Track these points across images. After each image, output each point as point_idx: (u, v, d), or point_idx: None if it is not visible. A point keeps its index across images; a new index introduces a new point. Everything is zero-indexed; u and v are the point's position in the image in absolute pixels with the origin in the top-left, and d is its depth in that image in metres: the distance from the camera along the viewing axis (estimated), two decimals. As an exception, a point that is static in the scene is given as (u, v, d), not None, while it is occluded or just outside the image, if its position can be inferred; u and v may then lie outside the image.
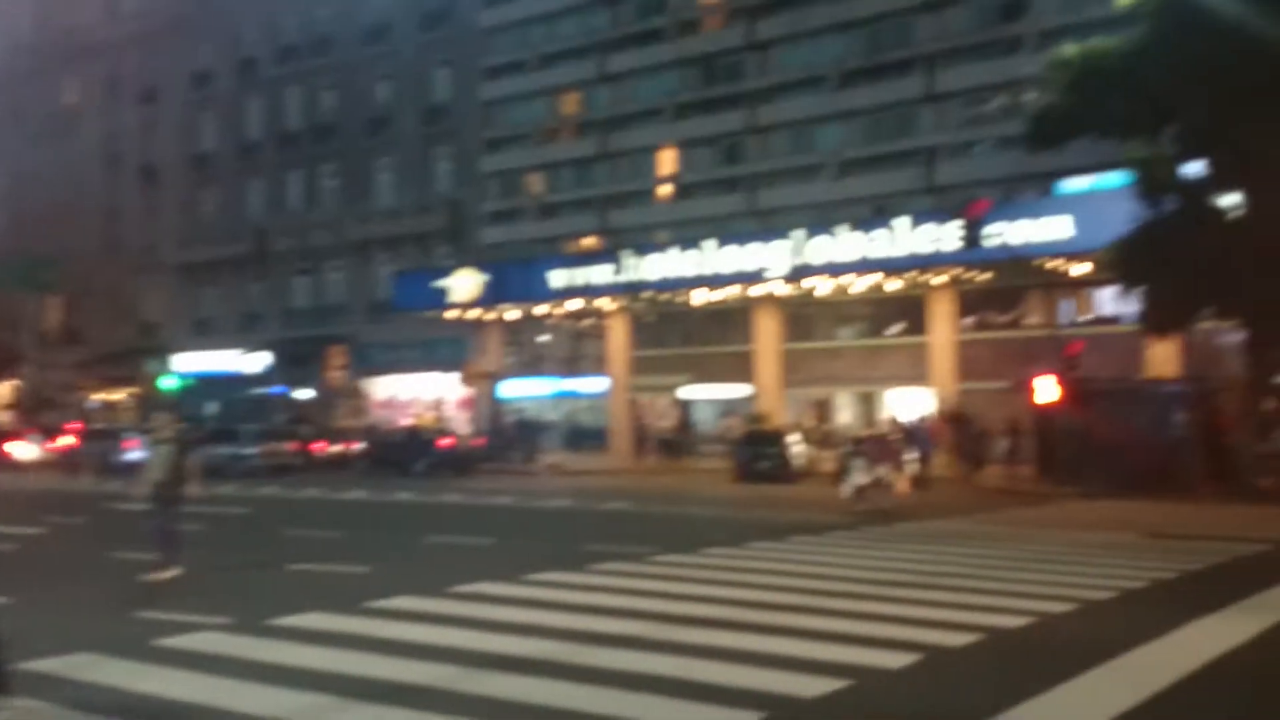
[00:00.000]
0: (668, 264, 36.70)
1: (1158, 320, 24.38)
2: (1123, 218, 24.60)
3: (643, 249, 37.70)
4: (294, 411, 47.29)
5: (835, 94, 38.70)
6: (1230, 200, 23.70)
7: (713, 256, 35.67)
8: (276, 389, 49.89)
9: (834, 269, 33.73)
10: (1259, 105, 21.25)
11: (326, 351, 50.20)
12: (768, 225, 38.02)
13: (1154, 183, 24.45)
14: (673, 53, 42.36)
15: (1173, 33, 22.96)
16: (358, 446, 39.74)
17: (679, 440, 39.45)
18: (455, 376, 45.29)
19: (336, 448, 40.00)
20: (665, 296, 38.22)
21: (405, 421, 44.84)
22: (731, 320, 39.84)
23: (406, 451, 36.38)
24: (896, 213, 33.97)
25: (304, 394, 49.65)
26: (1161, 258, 23.15)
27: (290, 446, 37.84)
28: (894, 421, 30.95)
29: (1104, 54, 25.18)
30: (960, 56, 36.67)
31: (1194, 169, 24.28)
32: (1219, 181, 23.55)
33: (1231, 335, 26.49)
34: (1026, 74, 32.67)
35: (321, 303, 51.59)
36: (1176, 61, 22.74)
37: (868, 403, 37.62)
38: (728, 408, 40.09)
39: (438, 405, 47.10)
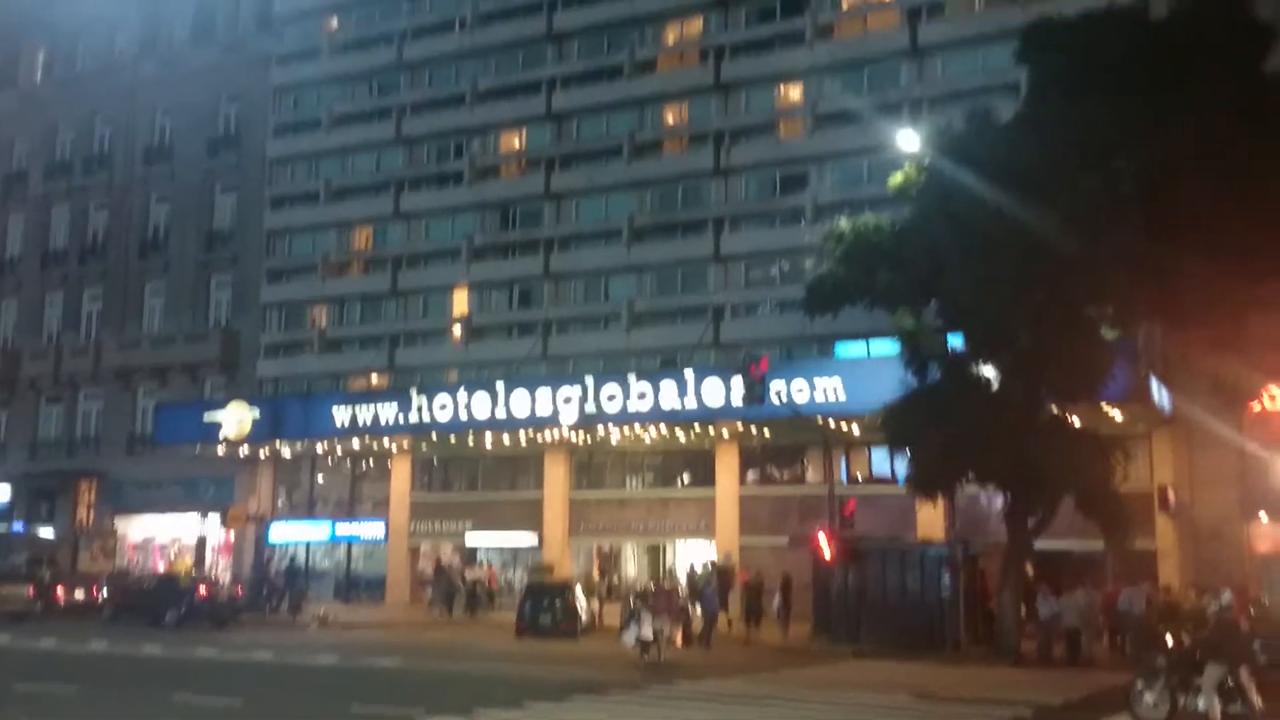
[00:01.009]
0: (457, 405, 36.00)
1: (923, 482, 25.39)
2: (893, 382, 25.78)
3: (431, 389, 36.93)
4: (34, 552, 43.20)
5: (628, 247, 39.56)
6: (988, 371, 25.20)
7: (503, 400, 35.25)
8: (15, 527, 45.70)
9: (623, 418, 33.86)
10: (1007, 286, 22.82)
11: (76, 487, 46.50)
12: (559, 371, 38.07)
13: (919, 352, 25.84)
14: (469, 196, 42.52)
15: (934, 213, 24.64)
16: (105, 592, 36.52)
17: (461, 591, 37.98)
18: (219, 518, 42.53)
19: (81, 593, 36.62)
20: (452, 439, 37.36)
21: (159, 566, 41.64)
22: (520, 466, 39.30)
23: (158, 599, 33.58)
24: (684, 365, 34.71)
25: (47, 533, 45.61)
26: (926, 422, 24.25)
27: (28, 591, 34.56)
28: (679, 574, 30.87)
29: (874, 229, 26.80)
30: (746, 221, 38.29)
31: (957, 340, 25.78)
32: (975, 353, 25.05)
33: (996, 499, 27.85)
34: (807, 243, 34.43)
35: (74, 434, 47.98)
36: (937, 240, 24.37)
37: (656, 554, 37.52)
38: (513, 556, 39.18)
39: (198, 548, 44.05)
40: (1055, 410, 24.70)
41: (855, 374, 30.85)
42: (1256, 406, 27.26)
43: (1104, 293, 23.49)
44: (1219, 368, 24.74)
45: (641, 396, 33.32)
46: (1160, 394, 29.22)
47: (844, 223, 27.75)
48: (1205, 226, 21.52)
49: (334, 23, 46.18)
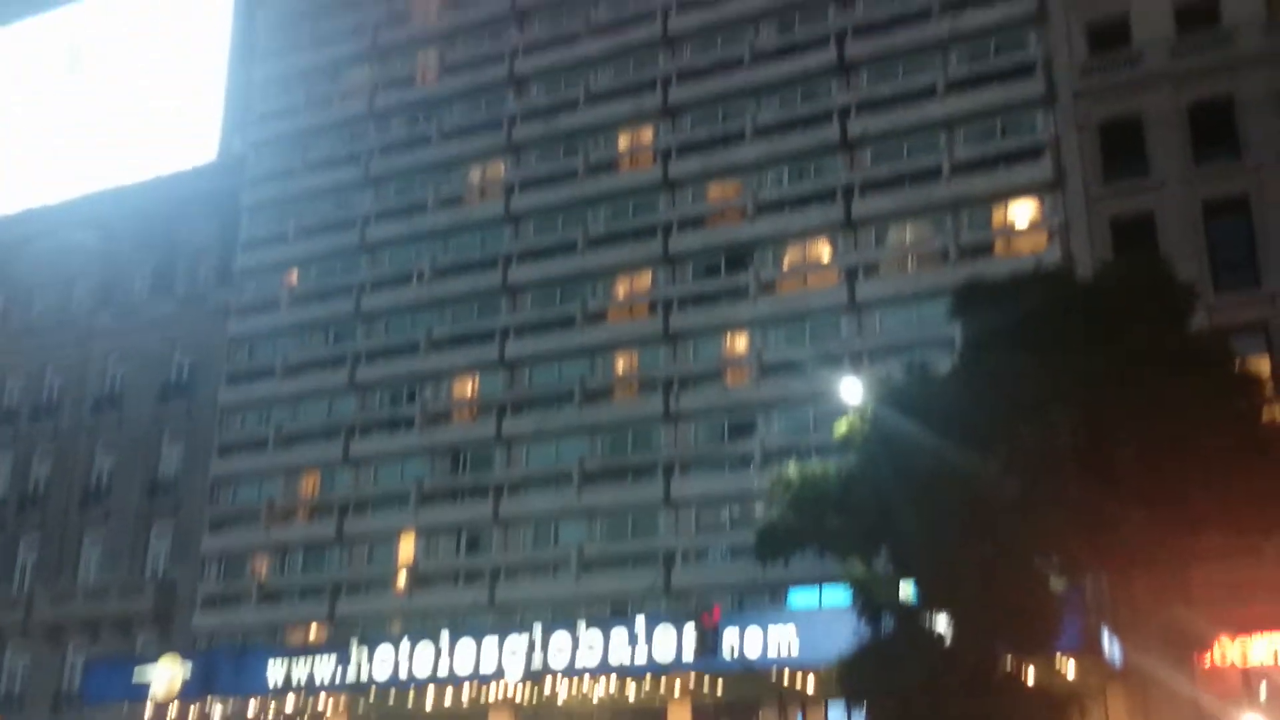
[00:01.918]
0: (398, 659, 34.68)
1: (881, 743, 24.51)
2: (847, 633, 25.31)
3: (372, 641, 35.67)
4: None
5: (578, 492, 39.44)
6: (940, 621, 24.85)
7: (447, 652, 34.05)
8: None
9: (572, 671, 32.75)
10: (953, 534, 22.87)
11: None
12: (506, 620, 37.07)
13: (871, 601, 25.50)
14: (420, 441, 42.55)
15: (879, 461, 24.90)
16: None
17: None
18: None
19: None
20: (392, 698, 35.78)
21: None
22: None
23: None
24: (635, 613, 33.95)
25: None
26: (880, 678, 23.69)
27: None
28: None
29: (822, 476, 26.96)
30: (696, 466, 38.49)
31: (909, 589, 25.53)
32: (927, 603, 24.78)
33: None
34: (757, 488, 34.53)
35: (-2, 692, 45.61)
36: (883, 487, 24.51)
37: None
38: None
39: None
40: (1009, 665, 24.27)
41: (809, 624, 30.28)
42: (1208, 660, 26.92)
43: (1049, 542, 23.57)
44: (1167, 619, 24.63)
45: (591, 647, 32.36)
46: (1111, 646, 28.88)
47: (792, 469, 27.95)
48: (1142, 477, 21.94)
49: (294, 276, 47.32)
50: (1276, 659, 28.55)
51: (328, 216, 46.84)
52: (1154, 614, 26.23)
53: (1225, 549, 23.96)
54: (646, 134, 42.65)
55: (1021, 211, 36.17)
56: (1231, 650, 27.97)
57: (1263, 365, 29.05)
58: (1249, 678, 28.90)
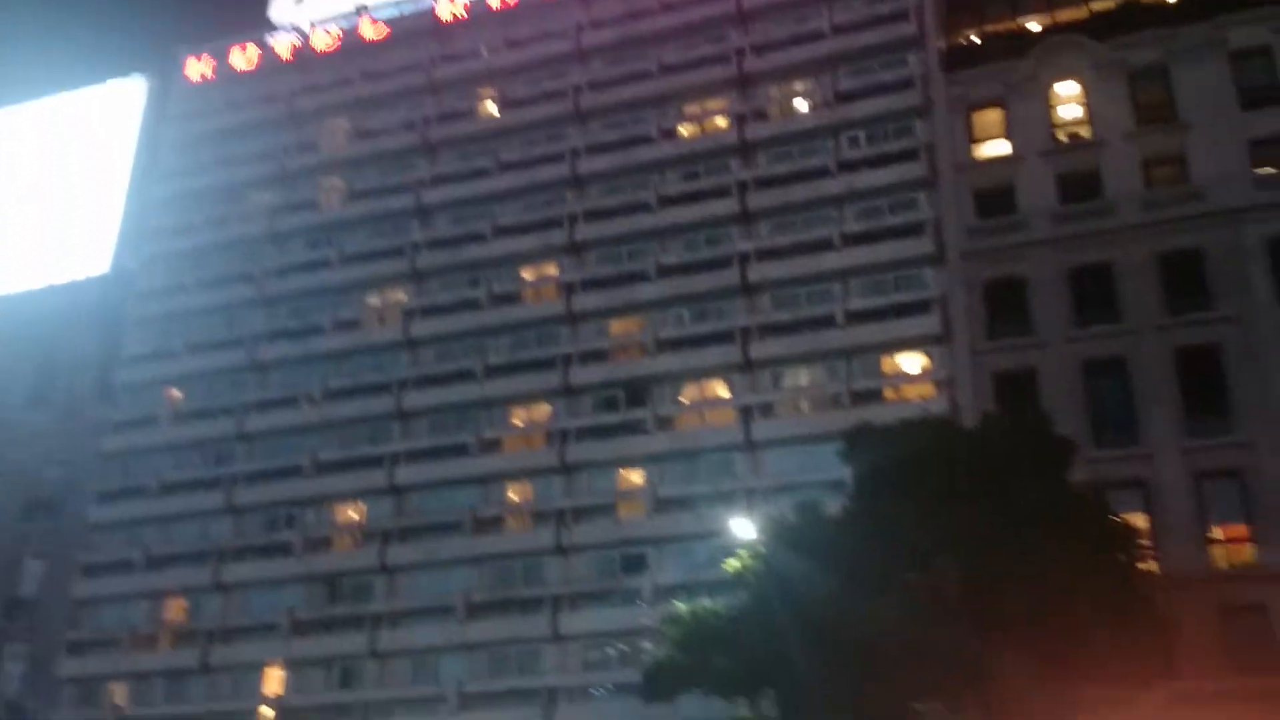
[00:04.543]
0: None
1: None
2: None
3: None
4: None
5: (462, 624, 38.32)
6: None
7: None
8: None
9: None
10: (841, 677, 22.80)
11: None
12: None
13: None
14: (297, 568, 41.06)
15: (769, 601, 24.88)
16: None
17: None
18: None
19: None
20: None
21: None
22: None
23: None
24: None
25: None
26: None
27: None
28: None
29: (712, 614, 26.81)
30: (585, 601, 37.80)
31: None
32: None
33: None
34: (646, 625, 34.04)
35: None
36: (773, 628, 24.43)
37: None
38: None
39: None
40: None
41: (695, 767, 29.55)
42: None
43: (934, 688, 23.62)
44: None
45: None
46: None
47: (682, 606, 27.71)
48: (1025, 627, 22.31)
49: (176, 394, 46.02)
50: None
51: (216, 334, 45.95)
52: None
53: (1103, 700, 24.20)
54: (551, 268, 43.16)
55: (910, 362, 37.29)
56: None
57: (1140, 521, 29.94)
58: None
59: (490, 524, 39.90)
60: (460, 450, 40.84)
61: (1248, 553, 30.75)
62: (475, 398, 41.54)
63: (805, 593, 23.95)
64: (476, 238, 44.06)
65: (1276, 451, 30.91)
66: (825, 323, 37.81)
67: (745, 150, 41.70)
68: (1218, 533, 31.14)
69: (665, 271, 40.90)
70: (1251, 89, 35.68)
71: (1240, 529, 31.00)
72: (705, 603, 27.81)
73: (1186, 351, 32.78)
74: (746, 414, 37.99)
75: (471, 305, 43.05)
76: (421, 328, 43.34)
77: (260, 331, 45.37)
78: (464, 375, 41.90)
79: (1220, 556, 31.01)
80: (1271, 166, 34.54)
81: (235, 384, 45.09)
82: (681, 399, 39.73)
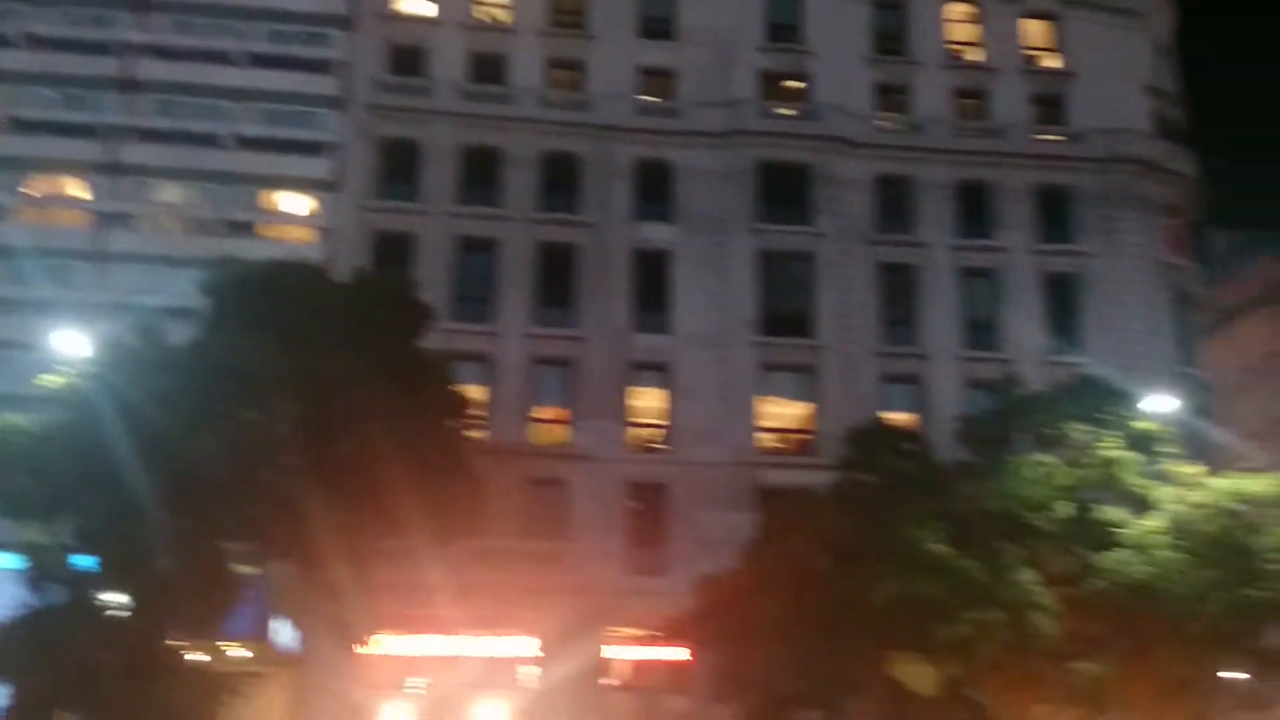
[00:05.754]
0: None
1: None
2: (11, 602, 22.80)
3: None
4: None
5: None
6: (121, 598, 23.44)
7: None
8: None
9: None
10: (148, 509, 21.90)
11: None
12: None
13: (44, 570, 23.31)
14: None
15: (83, 426, 23.03)
16: None
17: None
18: None
19: None
20: None
21: None
22: None
23: None
24: None
25: None
26: (35, 651, 21.71)
27: None
28: None
29: (15, 430, 24.18)
30: None
31: (90, 562, 23.73)
32: (108, 579, 23.30)
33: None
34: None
35: None
36: (81, 454, 22.69)
37: None
38: None
39: None
40: (173, 644, 23.60)
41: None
42: (366, 651, 28.44)
43: (248, 528, 23.45)
44: (337, 612, 25.62)
45: None
46: (280, 634, 29.64)
47: (-13, 419, 24.59)
48: (348, 476, 22.90)
49: None
50: (429, 656, 31.35)
51: None
52: (326, 607, 26.92)
53: (406, 550, 25.61)
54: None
55: (294, 202, 36.30)
56: (391, 644, 30.00)
57: (480, 393, 32.06)
58: (400, 670, 31.43)
59: None
60: None
61: (562, 433, 34.39)
62: None
63: (129, 420, 22.43)
64: None
65: (603, 349, 34.70)
66: (209, 140, 35.45)
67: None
68: (542, 413, 34.39)
69: (37, 43, 35.56)
70: (652, 19, 38.68)
71: (562, 412, 34.54)
72: (13, 418, 24.92)
73: (549, 247, 35.47)
74: (104, 221, 34.54)
75: None
76: None
77: None
78: None
79: (540, 434, 34.39)
80: (657, 95, 37.83)
81: None
82: (28, 190, 35.07)
